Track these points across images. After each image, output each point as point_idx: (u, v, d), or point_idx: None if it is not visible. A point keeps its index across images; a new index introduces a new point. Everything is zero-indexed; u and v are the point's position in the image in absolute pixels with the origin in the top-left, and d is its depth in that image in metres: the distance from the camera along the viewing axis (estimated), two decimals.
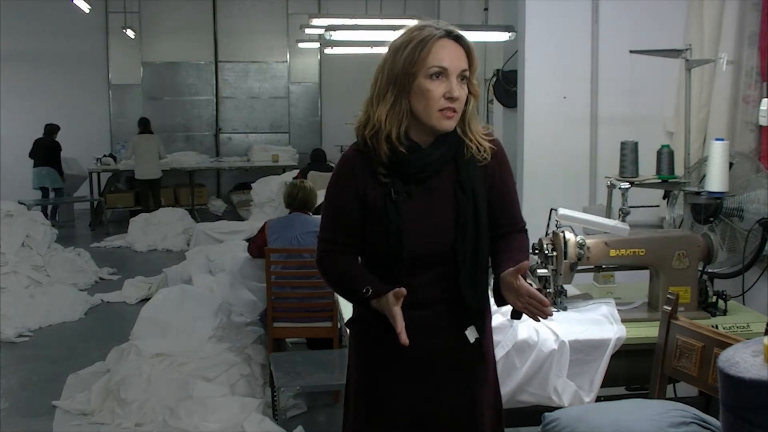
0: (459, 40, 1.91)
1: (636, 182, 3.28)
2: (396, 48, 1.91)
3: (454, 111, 1.89)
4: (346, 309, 2.35)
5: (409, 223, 1.94)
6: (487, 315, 2.11)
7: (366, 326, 2.06)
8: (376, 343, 2.06)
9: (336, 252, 2.03)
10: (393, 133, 1.90)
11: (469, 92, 1.94)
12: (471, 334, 2.01)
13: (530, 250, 2.76)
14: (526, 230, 2.13)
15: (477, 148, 1.97)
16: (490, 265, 2.05)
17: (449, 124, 1.91)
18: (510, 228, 2.07)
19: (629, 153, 3.32)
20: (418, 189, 1.96)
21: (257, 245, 4.63)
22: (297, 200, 4.61)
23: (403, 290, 1.85)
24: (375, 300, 1.93)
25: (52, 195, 10.48)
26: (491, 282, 2.03)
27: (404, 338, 1.86)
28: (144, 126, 10.38)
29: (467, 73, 1.91)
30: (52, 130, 10.28)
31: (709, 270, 2.98)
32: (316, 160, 8.44)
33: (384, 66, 1.93)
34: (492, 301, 2.04)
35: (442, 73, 1.87)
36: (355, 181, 1.98)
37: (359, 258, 2.07)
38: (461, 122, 1.96)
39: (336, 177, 2.03)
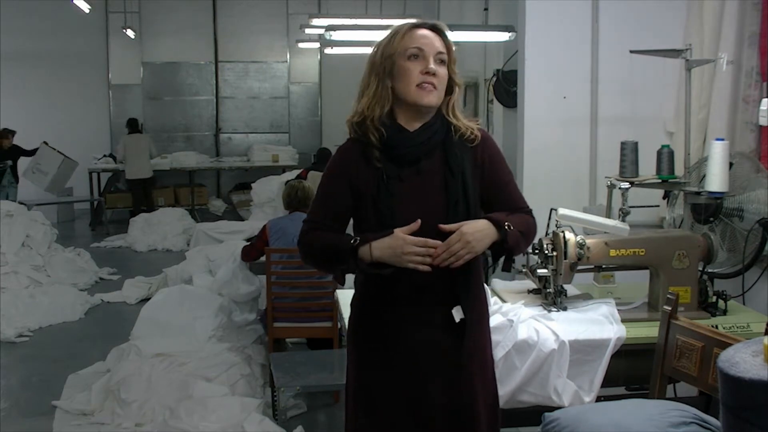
0: (434, 28, 2.04)
1: (636, 182, 3.27)
2: (378, 45, 2.06)
3: (433, 86, 1.99)
4: (346, 309, 2.35)
5: (401, 205, 2.00)
6: (483, 309, 2.13)
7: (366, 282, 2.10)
8: (373, 338, 2.09)
9: (318, 229, 2.08)
10: (376, 114, 2.00)
11: (453, 82, 2.04)
12: (457, 313, 2.04)
13: (536, 248, 2.76)
14: (531, 213, 2.15)
15: (464, 130, 2.05)
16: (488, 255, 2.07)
17: (429, 98, 2.00)
18: (512, 210, 2.10)
19: (629, 153, 3.32)
20: (409, 173, 2.02)
21: (256, 249, 4.60)
22: (297, 199, 4.61)
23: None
24: (363, 247, 1.96)
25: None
26: (488, 278, 2.04)
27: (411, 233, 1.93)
28: (132, 126, 10.31)
29: (444, 57, 2.02)
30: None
31: (709, 270, 2.98)
32: (322, 159, 8.15)
33: (368, 63, 2.06)
34: (491, 301, 2.06)
35: (418, 55, 1.99)
36: (348, 169, 2.05)
37: None
38: (446, 109, 2.05)
39: (330, 165, 2.12)
